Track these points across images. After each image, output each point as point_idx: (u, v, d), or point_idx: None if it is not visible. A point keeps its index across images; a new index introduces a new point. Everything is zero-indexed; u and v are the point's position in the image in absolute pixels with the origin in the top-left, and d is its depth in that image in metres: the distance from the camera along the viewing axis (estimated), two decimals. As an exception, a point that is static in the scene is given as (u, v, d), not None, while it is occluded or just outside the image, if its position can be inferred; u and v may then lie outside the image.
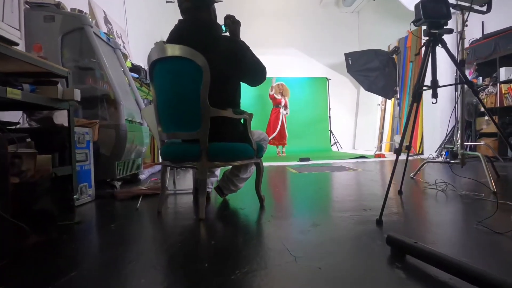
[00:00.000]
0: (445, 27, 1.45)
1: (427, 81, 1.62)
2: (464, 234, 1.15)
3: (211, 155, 1.42)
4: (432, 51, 1.54)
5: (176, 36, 1.46)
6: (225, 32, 1.56)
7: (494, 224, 1.20)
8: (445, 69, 4.50)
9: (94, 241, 1.23)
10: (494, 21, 4.03)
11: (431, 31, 1.47)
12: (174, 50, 1.37)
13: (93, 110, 2.57)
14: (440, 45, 1.52)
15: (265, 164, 1.65)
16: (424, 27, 1.52)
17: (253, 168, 1.75)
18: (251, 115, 1.57)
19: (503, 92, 3.67)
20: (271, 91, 6.01)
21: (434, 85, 1.54)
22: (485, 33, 4.18)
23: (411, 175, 2.56)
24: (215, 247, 1.06)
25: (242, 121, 1.58)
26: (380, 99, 6.83)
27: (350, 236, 1.13)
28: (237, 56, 1.46)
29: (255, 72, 1.54)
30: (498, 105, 3.72)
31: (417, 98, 1.46)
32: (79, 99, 1.65)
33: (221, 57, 1.42)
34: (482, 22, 4.29)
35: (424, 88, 1.52)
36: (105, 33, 2.76)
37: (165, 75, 1.45)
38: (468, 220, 1.32)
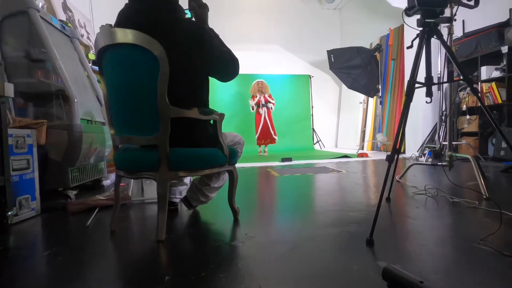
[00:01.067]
0: (441, 16, 1.28)
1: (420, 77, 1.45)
2: (468, 256, 0.99)
3: (172, 164, 1.18)
4: (427, 43, 1.37)
5: (126, 18, 1.19)
6: (190, 18, 1.32)
7: (500, 243, 1.04)
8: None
9: (13, 277, 0.96)
10: (475, 20, 4.01)
11: (426, 20, 1.30)
12: (125, 36, 1.12)
13: (46, 108, 2.25)
14: (435, 36, 1.35)
15: (245, 165, 1.46)
16: (417, 17, 1.35)
17: (226, 175, 1.53)
18: (222, 116, 1.34)
19: (484, 91, 3.64)
20: (251, 91, 5.76)
21: (429, 82, 1.38)
22: (466, 31, 4.16)
23: (397, 178, 2.42)
24: (170, 284, 0.83)
25: (212, 122, 1.35)
26: (362, 97, 6.78)
27: (337, 267, 0.94)
28: (204, 45, 1.22)
29: (225, 64, 1.30)
30: (479, 105, 3.69)
31: (410, 96, 1.29)
32: (11, 95, 1.36)
33: (184, 45, 1.17)
34: (463, 21, 4.27)
35: (417, 86, 1.35)
36: (60, 20, 2.43)
37: (115, 66, 1.19)
38: (468, 236, 1.16)
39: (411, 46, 1.49)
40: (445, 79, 1.75)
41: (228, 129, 7.08)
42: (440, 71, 4.02)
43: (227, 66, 1.30)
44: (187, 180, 1.72)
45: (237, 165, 3.88)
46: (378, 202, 1.15)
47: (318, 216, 1.51)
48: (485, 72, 3.63)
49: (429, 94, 1.45)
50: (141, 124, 1.19)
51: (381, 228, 1.23)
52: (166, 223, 1.18)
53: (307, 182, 2.57)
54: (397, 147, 1.26)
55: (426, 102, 1.56)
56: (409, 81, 1.29)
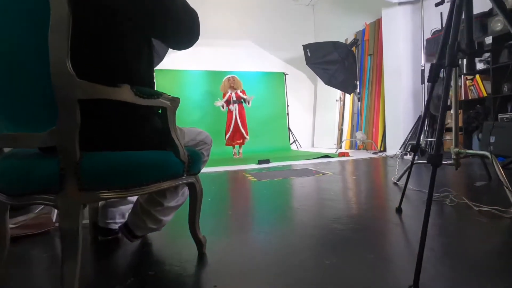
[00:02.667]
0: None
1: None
2: None
3: (87, 179, 0.69)
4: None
5: None
6: None
7: None
8: (407, 50, 4.28)
9: None
10: (452, 12, 3.88)
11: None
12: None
13: None
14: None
15: (217, 169, 1.04)
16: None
17: (187, 189, 1.06)
18: (175, 101, 0.88)
19: (468, 84, 3.49)
20: (221, 89, 5.29)
21: (473, 49, 0.99)
22: (443, 25, 4.03)
23: (394, 180, 2.09)
24: None
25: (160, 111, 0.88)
26: (338, 94, 6.58)
27: None
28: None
29: (181, 17, 0.84)
30: (463, 98, 3.54)
31: (454, 63, 0.91)
32: None
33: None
34: (441, 13, 4.14)
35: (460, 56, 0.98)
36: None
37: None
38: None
39: (441, 3, 1.13)
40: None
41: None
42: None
43: (182, 21, 0.84)
44: (134, 198, 1.22)
45: (207, 169, 3.32)
46: (420, 241, 0.75)
47: (318, 243, 1.10)
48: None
49: (471, 67, 1.10)
50: (26, 111, 0.69)
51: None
52: (77, 277, 0.70)
53: (290, 188, 2.16)
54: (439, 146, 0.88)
55: (467, 79, 1.21)
56: (451, 47, 0.92)
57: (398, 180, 2.04)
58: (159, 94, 0.82)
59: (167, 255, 1.05)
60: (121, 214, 1.18)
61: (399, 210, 1.36)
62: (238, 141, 5.13)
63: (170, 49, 5.92)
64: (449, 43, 0.95)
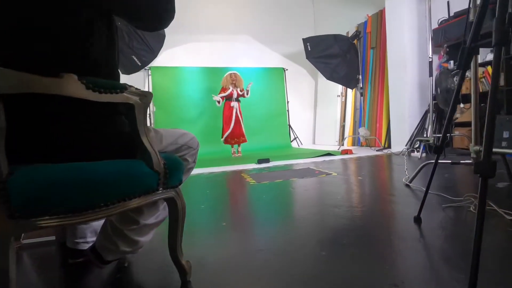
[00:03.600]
0: None
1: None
2: None
3: (18, 202, 0.51)
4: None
5: None
6: None
7: None
8: (412, 41, 4.07)
9: None
10: (460, 1, 3.67)
11: None
12: None
13: None
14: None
15: (216, 169, 0.90)
16: None
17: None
18: (145, 97, 0.69)
19: (478, 76, 3.29)
20: (222, 83, 5.10)
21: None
22: (451, 14, 3.82)
23: (406, 181, 1.91)
24: None
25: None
26: (339, 90, 6.38)
27: None
28: None
29: None
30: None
31: (469, 58, 0.74)
32: None
33: None
34: (448, 2, 3.93)
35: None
36: None
37: None
38: None
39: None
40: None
41: (197, 129, 6.33)
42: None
43: None
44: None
45: (203, 170, 3.11)
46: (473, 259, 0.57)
47: (327, 268, 0.92)
48: (479, 55, 3.27)
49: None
50: None
51: None
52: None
53: (292, 192, 1.98)
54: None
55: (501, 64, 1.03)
56: (499, 21, 0.73)
57: (410, 181, 1.86)
58: (122, 88, 0.64)
59: (145, 283, 0.87)
60: (93, 231, 1.00)
61: (417, 220, 1.18)
62: (238, 139, 4.94)
63: (164, 44, 5.72)
64: (496, 16, 0.76)
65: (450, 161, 1.79)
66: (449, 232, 1.09)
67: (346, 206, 1.50)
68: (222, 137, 4.98)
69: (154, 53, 4.83)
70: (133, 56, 4.67)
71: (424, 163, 1.84)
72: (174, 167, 0.75)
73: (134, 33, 4.59)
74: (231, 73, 5.04)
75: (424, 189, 1.68)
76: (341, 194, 1.78)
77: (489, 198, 1.38)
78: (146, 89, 6.27)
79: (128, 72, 4.81)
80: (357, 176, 2.40)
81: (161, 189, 0.72)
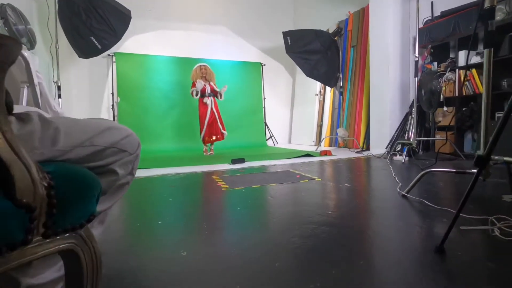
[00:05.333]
0: None
1: None
2: None
3: None
4: None
5: None
6: None
7: None
8: (396, 40, 3.94)
9: None
10: (444, 2, 3.57)
11: None
12: None
13: None
14: None
15: (183, 169, 0.67)
16: None
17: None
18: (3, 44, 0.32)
19: (462, 79, 3.20)
20: (192, 77, 4.65)
21: None
22: (435, 15, 3.72)
23: (402, 191, 1.67)
24: None
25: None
26: (318, 88, 6.19)
27: None
28: None
29: None
30: (457, 95, 3.25)
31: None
32: None
33: None
34: (432, 2, 3.82)
35: None
36: None
37: None
38: None
39: None
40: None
41: (166, 124, 5.88)
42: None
43: None
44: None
45: (171, 169, 2.69)
46: None
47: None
48: (464, 57, 3.18)
49: None
50: None
51: None
52: None
53: (271, 204, 1.66)
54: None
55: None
56: None
57: (408, 192, 1.62)
58: None
59: None
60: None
61: (440, 250, 0.90)
62: (217, 137, 4.54)
63: (132, 29, 5.15)
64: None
65: (454, 170, 1.56)
66: (487, 269, 0.83)
67: (339, 228, 1.20)
68: (201, 138, 4.55)
69: (117, 36, 4.26)
70: (92, 38, 4.08)
71: (424, 171, 1.60)
72: (73, 191, 0.39)
73: (94, 10, 4.01)
74: (200, 66, 4.61)
75: (423, 200, 1.44)
76: (331, 207, 1.49)
77: (505, 212, 1.15)
78: (110, 78, 5.66)
79: (86, 55, 4.22)
80: (344, 182, 2.14)
81: (39, 238, 0.36)
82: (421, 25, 3.62)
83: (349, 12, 5.37)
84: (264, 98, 6.67)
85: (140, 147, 0.61)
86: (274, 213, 1.45)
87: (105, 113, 5.60)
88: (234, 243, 1.07)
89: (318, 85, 6.14)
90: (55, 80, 4.06)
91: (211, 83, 4.58)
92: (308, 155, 3.91)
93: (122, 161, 0.55)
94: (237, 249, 1.01)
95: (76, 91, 5.40)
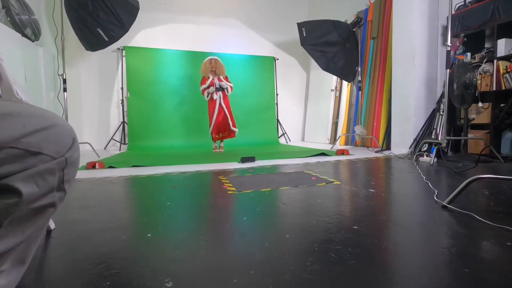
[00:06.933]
0: None
1: None
2: None
3: None
4: None
5: None
6: None
7: None
8: (423, 30, 3.59)
9: None
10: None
11: None
12: None
13: None
14: None
15: (190, 168, 0.58)
16: None
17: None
18: None
19: (501, 71, 2.83)
20: (202, 72, 4.43)
21: None
22: (468, 0, 3.34)
23: (442, 201, 1.39)
24: None
25: None
26: (333, 84, 5.87)
27: None
28: None
29: None
30: (495, 88, 2.89)
31: None
32: None
33: None
34: (464, -13, 3.44)
35: None
36: None
37: None
38: None
39: None
40: None
41: (175, 119, 5.75)
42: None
43: None
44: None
45: (175, 168, 2.49)
46: None
47: None
48: (504, 46, 2.81)
49: None
50: None
51: None
52: None
53: (284, 212, 1.42)
54: None
55: None
56: None
57: (450, 202, 1.34)
58: None
59: None
60: None
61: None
62: (225, 134, 4.32)
63: (141, 23, 4.98)
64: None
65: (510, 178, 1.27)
66: None
67: (375, 249, 0.95)
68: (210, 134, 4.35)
69: (124, 28, 4.10)
70: (99, 30, 3.93)
71: (472, 178, 1.31)
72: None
73: (101, 1, 3.85)
74: (210, 59, 4.38)
75: (472, 214, 1.16)
76: (357, 220, 1.23)
77: None
78: (119, 72, 5.53)
79: (93, 48, 4.08)
80: (367, 187, 1.87)
81: None
82: (453, 11, 3.26)
83: (369, 1, 5.01)
84: (277, 94, 6.41)
85: (75, 145, 0.38)
86: (287, 226, 1.20)
87: (115, 108, 5.49)
88: (236, 270, 0.84)
89: (334, 80, 5.82)
90: (60, 73, 3.93)
91: (221, 77, 4.35)
92: (323, 154, 3.64)
93: (31, 171, 0.33)
94: (239, 279, 0.78)
95: (85, 86, 5.30)
